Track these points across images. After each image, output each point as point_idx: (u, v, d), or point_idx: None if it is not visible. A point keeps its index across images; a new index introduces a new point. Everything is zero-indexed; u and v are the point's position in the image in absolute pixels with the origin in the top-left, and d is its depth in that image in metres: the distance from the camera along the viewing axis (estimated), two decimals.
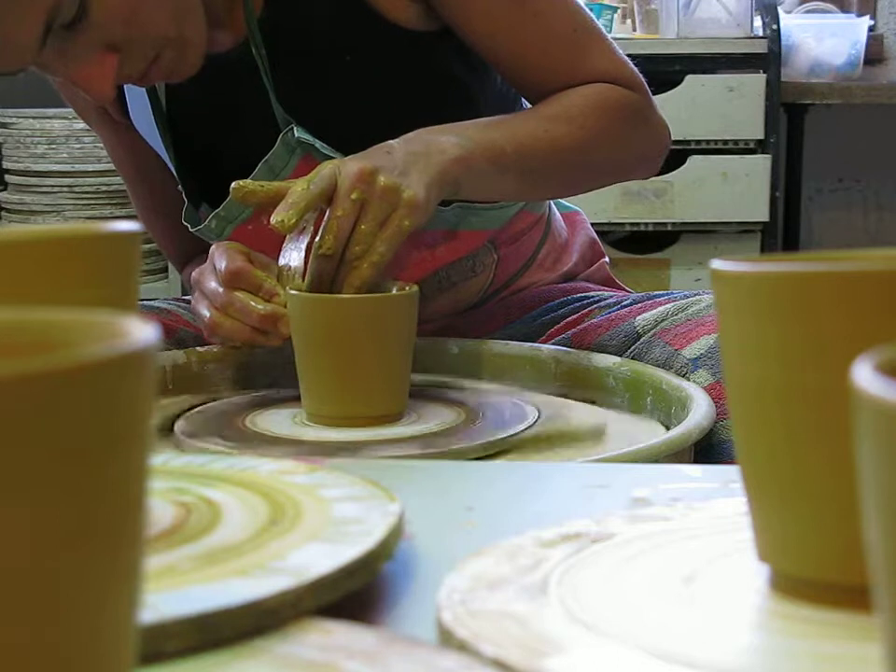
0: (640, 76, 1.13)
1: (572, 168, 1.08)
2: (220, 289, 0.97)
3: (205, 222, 1.11)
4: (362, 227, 0.89)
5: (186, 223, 1.15)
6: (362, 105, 1.09)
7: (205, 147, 1.15)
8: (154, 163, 1.21)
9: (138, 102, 1.16)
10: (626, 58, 1.14)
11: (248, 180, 0.95)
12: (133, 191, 1.30)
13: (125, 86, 1.17)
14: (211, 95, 1.13)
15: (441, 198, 0.96)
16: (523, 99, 1.19)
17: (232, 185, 0.93)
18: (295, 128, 1.06)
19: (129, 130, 1.21)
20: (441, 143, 0.96)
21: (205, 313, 0.99)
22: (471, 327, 1.18)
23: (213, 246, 1.02)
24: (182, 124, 1.15)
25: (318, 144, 1.06)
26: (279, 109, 1.07)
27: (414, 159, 0.93)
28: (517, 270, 1.21)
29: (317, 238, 0.90)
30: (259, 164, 1.06)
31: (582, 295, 1.18)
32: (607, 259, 1.32)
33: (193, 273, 1.03)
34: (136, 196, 1.30)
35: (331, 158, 1.03)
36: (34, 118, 2.61)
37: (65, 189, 2.61)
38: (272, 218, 0.89)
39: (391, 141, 0.95)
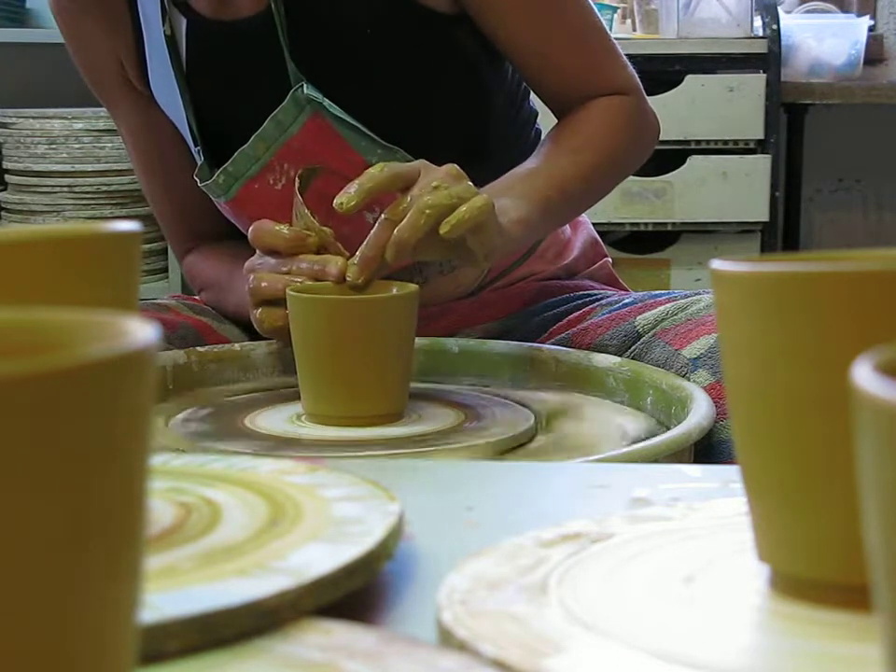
0: (636, 75, 1.19)
1: (596, 191, 1.15)
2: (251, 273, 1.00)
3: (213, 177, 1.13)
4: (429, 198, 0.89)
5: (196, 178, 1.16)
6: (376, 77, 1.11)
7: (221, 109, 1.17)
8: (171, 140, 1.23)
9: (160, 71, 1.18)
10: (626, 58, 1.19)
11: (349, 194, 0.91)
12: (144, 168, 1.30)
13: (147, 55, 1.19)
14: (230, 60, 1.15)
15: (501, 256, 0.99)
16: (530, 93, 1.23)
17: (336, 202, 0.91)
18: (305, 85, 1.08)
19: (149, 103, 1.22)
20: (502, 204, 0.97)
21: (252, 308, 1.01)
22: (473, 314, 1.18)
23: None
24: (201, 88, 1.17)
25: (326, 103, 1.08)
26: (292, 65, 1.09)
27: None
28: (517, 259, 1.23)
29: (390, 207, 0.91)
30: (268, 119, 1.09)
31: (585, 293, 1.18)
32: (609, 259, 1.33)
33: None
34: (148, 172, 1.30)
35: (341, 118, 1.07)
36: (34, 118, 2.61)
37: (65, 188, 2.61)
38: (335, 200, 0.90)
39: None
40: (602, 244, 1.34)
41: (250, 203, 1.13)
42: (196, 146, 1.18)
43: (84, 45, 1.22)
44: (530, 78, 1.17)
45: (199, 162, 1.17)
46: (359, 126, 1.08)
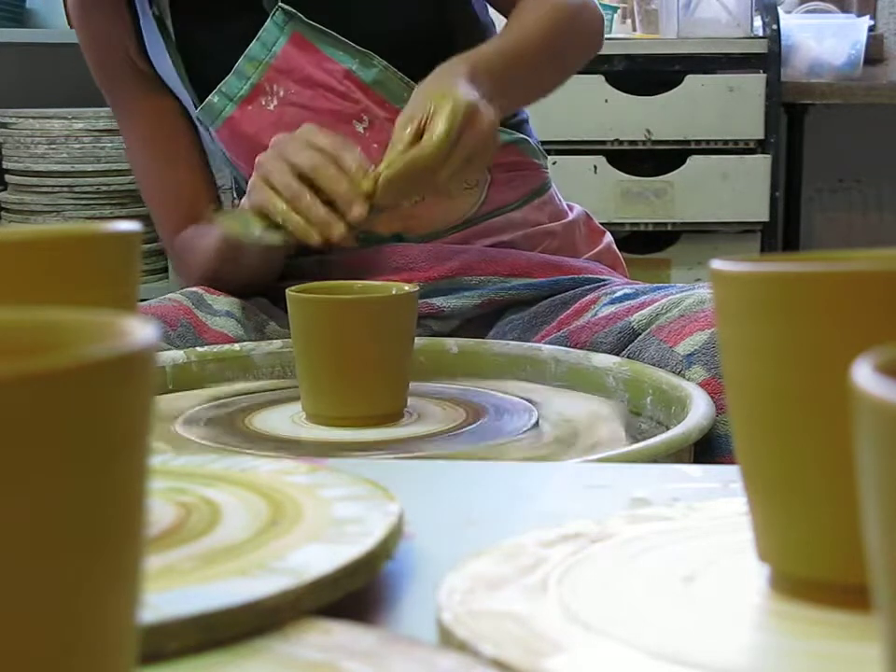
0: None
1: (553, 58, 1.22)
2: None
3: (208, 98, 1.22)
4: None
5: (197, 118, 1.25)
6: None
7: (205, 50, 1.25)
8: (176, 127, 1.31)
9: (152, 36, 1.27)
10: None
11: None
12: (145, 157, 1.34)
13: (145, 38, 1.28)
14: (214, 23, 1.24)
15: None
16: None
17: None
18: (280, 6, 1.19)
19: (156, 87, 1.30)
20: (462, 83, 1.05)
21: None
22: (479, 263, 1.22)
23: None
24: (186, 31, 1.26)
25: (301, 16, 1.19)
26: None
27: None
28: (511, 202, 1.28)
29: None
30: (254, 40, 1.20)
31: (594, 277, 1.21)
32: (610, 237, 1.37)
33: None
34: (149, 160, 1.34)
35: (315, 28, 1.19)
36: (34, 118, 2.61)
37: (65, 189, 2.61)
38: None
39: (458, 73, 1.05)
40: (594, 219, 1.39)
41: (247, 122, 1.22)
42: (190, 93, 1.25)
43: (95, 37, 1.31)
44: None
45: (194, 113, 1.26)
46: (334, 34, 1.19)
